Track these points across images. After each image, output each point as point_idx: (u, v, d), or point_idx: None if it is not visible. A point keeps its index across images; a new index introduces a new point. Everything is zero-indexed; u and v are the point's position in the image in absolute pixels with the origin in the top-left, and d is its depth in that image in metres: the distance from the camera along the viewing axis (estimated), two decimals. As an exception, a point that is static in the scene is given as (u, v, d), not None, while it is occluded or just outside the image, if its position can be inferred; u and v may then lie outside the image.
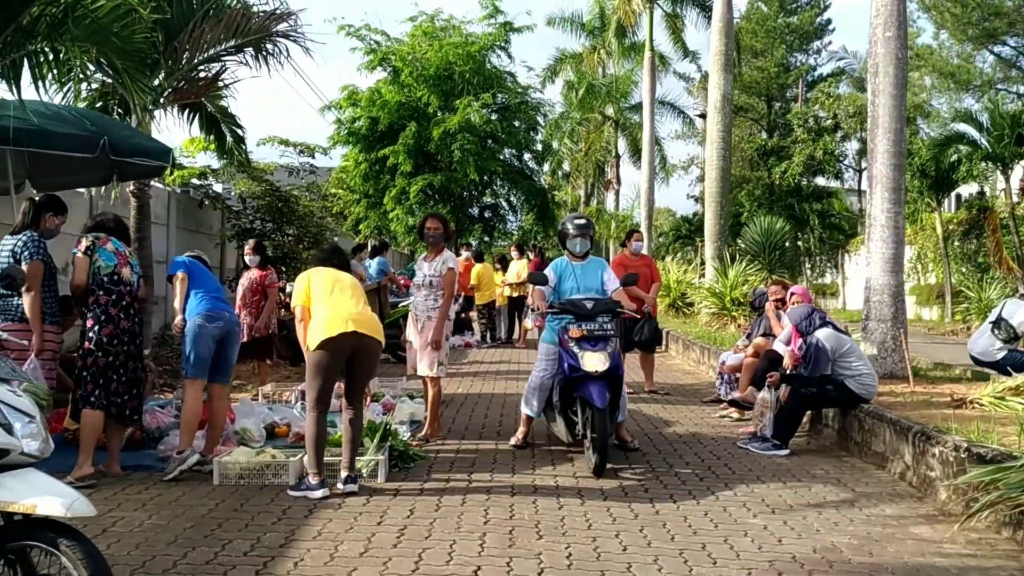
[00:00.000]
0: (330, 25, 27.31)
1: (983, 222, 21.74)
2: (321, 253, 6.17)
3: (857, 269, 30.89)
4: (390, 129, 25.49)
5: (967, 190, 25.85)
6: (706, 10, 27.81)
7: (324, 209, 16.10)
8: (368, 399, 7.80)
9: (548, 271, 6.87)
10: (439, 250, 7.26)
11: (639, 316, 9.86)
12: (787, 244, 13.62)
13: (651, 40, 28.36)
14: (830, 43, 47.01)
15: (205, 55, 9.42)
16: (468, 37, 28.53)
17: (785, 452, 6.80)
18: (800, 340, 7.24)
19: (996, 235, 19.32)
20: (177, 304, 6.03)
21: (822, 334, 6.88)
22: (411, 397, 8.29)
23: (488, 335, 15.84)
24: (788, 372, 7.20)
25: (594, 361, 6.08)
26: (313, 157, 16.41)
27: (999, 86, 27.52)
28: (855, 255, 31.49)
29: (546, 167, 38.54)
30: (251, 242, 9.45)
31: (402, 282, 16.21)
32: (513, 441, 6.91)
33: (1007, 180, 19.41)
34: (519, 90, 31.75)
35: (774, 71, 44.02)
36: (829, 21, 45.58)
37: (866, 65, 43.28)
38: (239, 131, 11.00)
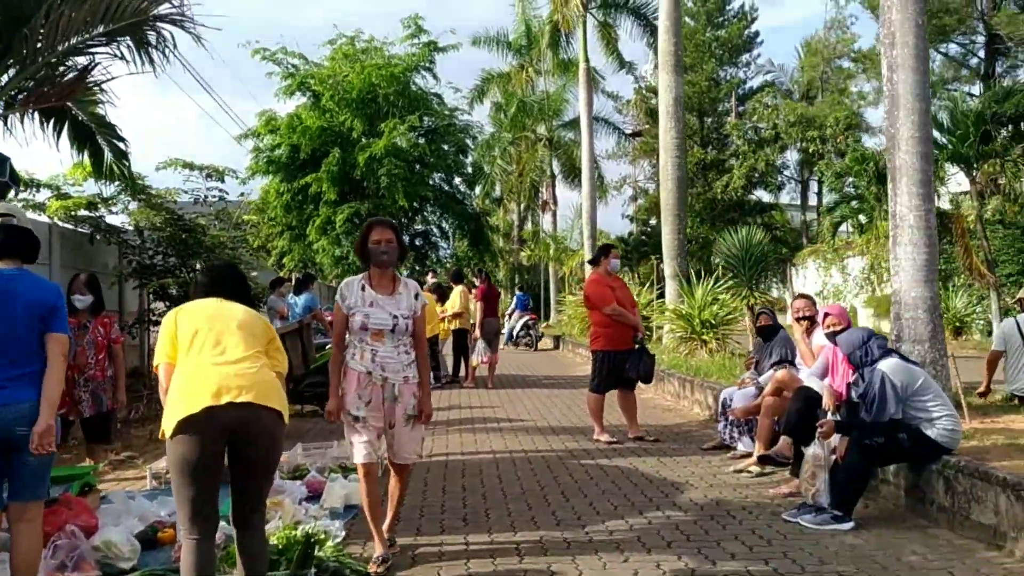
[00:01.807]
0: (243, 50, 25.49)
1: (943, 227, 20.72)
2: (203, 278, 4.09)
3: (804, 283, 29.96)
4: (312, 156, 24.28)
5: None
6: (640, 18, 26.62)
7: (238, 240, 14.08)
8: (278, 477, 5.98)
9: None
10: (392, 277, 4.82)
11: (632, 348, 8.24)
12: (769, 257, 12.14)
13: (585, 50, 26.98)
14: (759, 55, 46.53)
15: (67, 44, 7.44)
16: (391, 58, 27.34)
17: (849, 525, 5.11)
18: (853, 373, 5.60)
19: (965, 239, 18.15)
20: None
21: (888, 366, 5.23)
22: (345, 471, 6.40)
23: (431, 375, 13.95)
24: (843, 419, 5.54)
25: None
26: (223, 182, 14.40)
27: (949, 86, 26.77)
28: (802, 268, 30.59)
29: (478, 191, 37.27)
30: (82, 276, 6.75)
31: (328, 319, 14.27)
32: None
33: (972, 182, 18.30)
34: (446, 112, 30.49)
35: (705, 85, 43.26)
36: (757, 33, 45.03)
37: (794, 77, 42.69)
38: (120, 144, 9.01)
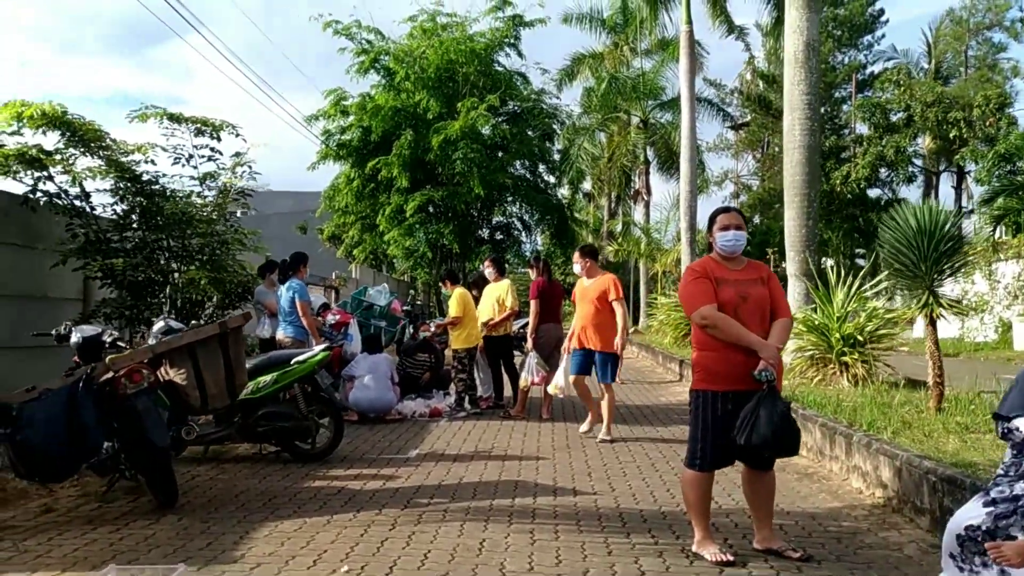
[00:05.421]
0: (315, 23, 22.87)
1: None
2: None
3: (954, 288, 25.44)
4: (384, 139, 21.75)
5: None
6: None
7: (219, 210, 10.70)
8: None
9: None
10: None
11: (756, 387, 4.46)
12: (964, 244, 8.14)
13: (688, 10, 23.07)
14: (883, 36, 41.57)
15: None
16: (473, 35, 24.49)
17: None
18: None
19: None
20: None
21: None
22: None
23: (466, 397, 10.37)
24: None
25: None
26: (218, 140, 10.97)
27: None
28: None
29: (564, 181, 33.99)
30: None
31: (336, 318, 10.86)
32: None
33: None
34: (532, 94, 27.25)
35: (821, 68, 38.77)
36: (882, 11, 40.08)
37: (920, 65, 37.79)
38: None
